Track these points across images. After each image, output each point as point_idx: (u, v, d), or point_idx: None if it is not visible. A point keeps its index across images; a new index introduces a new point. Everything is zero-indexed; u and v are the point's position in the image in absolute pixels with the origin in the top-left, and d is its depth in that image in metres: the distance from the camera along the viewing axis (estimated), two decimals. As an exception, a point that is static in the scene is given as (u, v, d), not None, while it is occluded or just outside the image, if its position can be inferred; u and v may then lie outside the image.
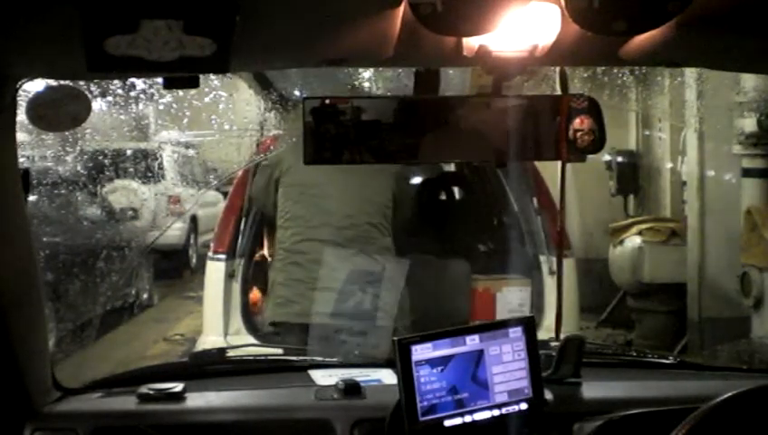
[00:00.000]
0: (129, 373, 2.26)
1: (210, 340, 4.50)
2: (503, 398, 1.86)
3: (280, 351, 3.21)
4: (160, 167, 8.64)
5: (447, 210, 5.41)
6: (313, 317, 3.88)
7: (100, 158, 5.36)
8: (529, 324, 1.92)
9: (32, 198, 1.86)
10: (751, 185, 6.01)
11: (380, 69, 3.79)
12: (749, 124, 5.82)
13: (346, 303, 3.89)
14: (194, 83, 1.48)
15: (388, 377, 2.15)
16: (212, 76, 3.50)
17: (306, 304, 3.91)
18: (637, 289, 7.25)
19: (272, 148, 4.49)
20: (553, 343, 2.08)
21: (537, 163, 4.56)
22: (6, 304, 1.70)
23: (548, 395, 1.95)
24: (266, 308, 4.22)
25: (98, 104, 4.32)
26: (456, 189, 5.63)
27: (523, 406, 1.87)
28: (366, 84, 4.17)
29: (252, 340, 4.24)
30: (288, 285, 4.00)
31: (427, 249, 4.60)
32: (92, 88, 2.31)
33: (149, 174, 7.82)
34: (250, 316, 4.52)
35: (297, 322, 3.94)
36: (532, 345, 1.90)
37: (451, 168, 5.68)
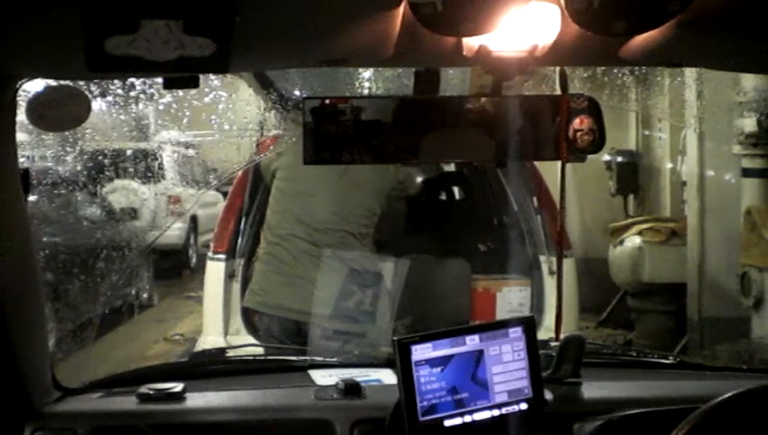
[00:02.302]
0: (129, 373, 2.26)
1: (210, 340, 4.51)
2: (502, 398, 1.86)
3: (279, 351, 3.22)
4: (160, 167, 8.64)
5: (447, 210, 5.41)
6: (284, 311, 3.92)
7: (100, 158, 5.35)
8: (529, 324, 1.92)
9: (32, 198, 1.86)
10: (751, 185, 6.01)
11: (380, 69, 3.79)
12: (749, 124, 5.82)
13: (346, 302, 3.90)
14: (194, 83, 1.48)
15: (387, 377, 2.15)
16: (212, 76, 3.50)
17: (278, 296, 3.95)
18: (637, 289, 7.25)
19: (271, 148, 4.50)
20: (553, 343, 2.08)
21: (537, 163, 4.57)
22: (6, 303, 1.70)
23: (548, 395, 1.95)
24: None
25: (98, 104, 4.32)
26: (455, 189, 5.63)
27: (523, 406, 1.87)
28: (366, 84, 4.17)
29: (252, 340, 4.25)
30: (265, 274, 4.05)
31: (427, 249, 4.60)
32: (92, 88, 2.31)
33: (149, 174, 7.82)
34: (250, 316, 4.52)
35: (267, 312, 3.99)
36: (532, 345, 1.90)
37: (451, 167, 5.68)
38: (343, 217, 4.05)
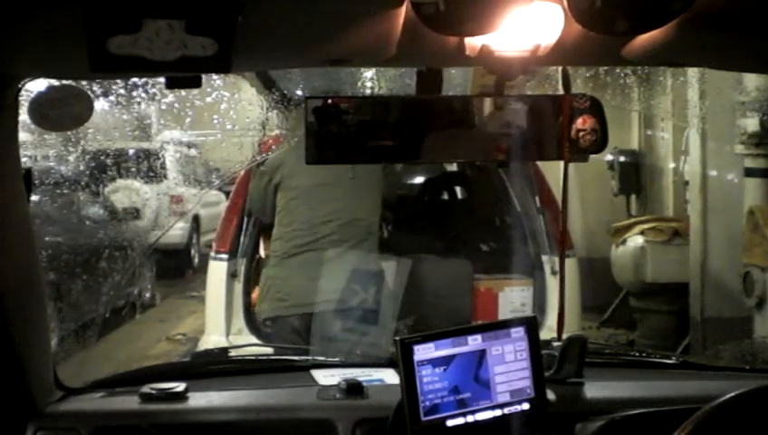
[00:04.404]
0: (132, 373, 2.26)
1: (212, 339, 4.51)
2: (505, 398, 1.86)
3: (282, 350, 3.22)
4: (162, 167, 8.63)
5: (450, 210, 5.41)
6: (315, 316, 3.90)
7: (103, 157, 5.35)
8: (531, 324, 1.92)
9: (34, 197, 1.86)
10: (753, 185, 6.01)
11: (382, 69, 3.79)
12: (751, 124, 5.81)
13: (348, 302, 3.89)
14: (196, 83, 1.48)
15: (390, 377, 2.15)
16: (214, 76, 3.50)
17: (303, 296, 3.94)
18: (639, 289, 7.24)
19: (273, 147, 4.50)
20: (555, 343, 2.08)
21: (539, 163, 4.56)
22: (9, 303, 1.70)
23: (550, 395, 1.95)
24: (260, 305, 4.22)
25: (100, 104, 4.32)
26: (458, 189, 5.63)
27: (526, 406, 1.87)
28: (368, 84, 4.18)
29: (254, 339, 4.25)
30: (288, 277, 4.03)
31: (430, 249, 4.60)
32: (95, 88, 2.31)
33: (152, 174, 7.82)
34: (252, 316, 4.52)
35: (295, 313, 3.96)
36: (535, 345, 1.90)
37: (453, 167, 5.68)
38: (367, 209, 4.08)
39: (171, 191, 9.27)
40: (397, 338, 1.81)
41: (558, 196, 3.80)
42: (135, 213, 8.33)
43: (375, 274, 3.99)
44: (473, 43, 1.45)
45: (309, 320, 3.91)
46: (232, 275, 4.60)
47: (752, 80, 5.55)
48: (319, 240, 4.00)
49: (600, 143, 1.82)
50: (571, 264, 4.56)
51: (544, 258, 4.65)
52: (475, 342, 1.84)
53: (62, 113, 1.66)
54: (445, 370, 1.80)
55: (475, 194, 5.52)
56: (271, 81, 4.68)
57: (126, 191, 8.07)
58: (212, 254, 4.77)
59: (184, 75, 1.47)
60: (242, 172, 4.79)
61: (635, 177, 8.82)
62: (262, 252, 4.74)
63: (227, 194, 5.64)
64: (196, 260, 11.35)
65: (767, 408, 1.61)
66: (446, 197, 5.59)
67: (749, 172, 6.04)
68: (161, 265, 9.42)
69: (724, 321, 6.35)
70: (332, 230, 4.01)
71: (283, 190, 4.13)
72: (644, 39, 1.38)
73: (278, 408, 2.00)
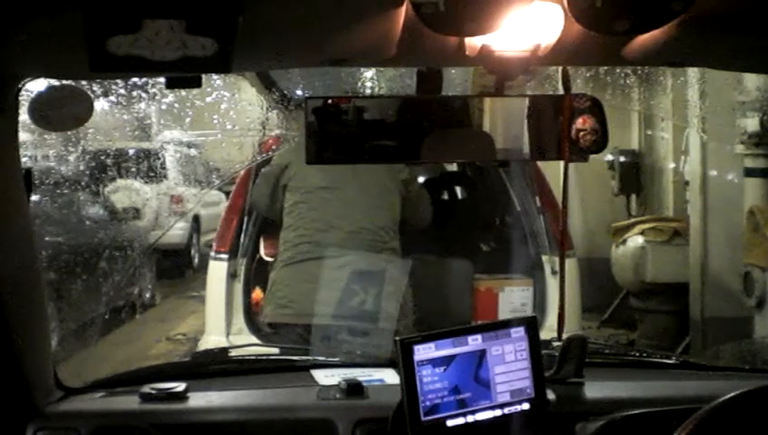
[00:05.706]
0: (132, 373, 2.26)
1: (212, 339, 4.50)
2: (505, 398, 1.86)
3: (282, 350, 3.22)
4: (163, 166, 8.62)
5: (450, 210, 5.41)
6: (315, 317, 3.87)
7: (103, 157, 5.35)
8: (531, 324, 1.92)
9: (34, 197, 1.86)
10: (753, 185, 6.01)
11: (382, 68, 3.79)
12: (752, 124, 5.81)
13: (349, 303, 3.88)
14: (196, 83, 1.48)
15: (390, 377, 2.15)
16: (214, 76, 3.50)
17: (307, 304, 3.89)
18: (639, 289, 7.25)
19: (274, 147, 4.50)
20: (556, 343, 2.08)
21: (539, 162, 4.56)
22: (9, 303, 1.70)
23: (550, 395, 1.95)
24: (265, 308, 4.20)
25: (100, 104, 4.32)
26: (458, 189, 5.63)
27: (526, 406, 1.87)
28: (368, 84, 4.17)
29: (254, 340, 4.24)
30: (290, 285, 3.97)
31: (430, 249, 4.60)
32: (95, 88, 2.31)
33: (152, 174, 7.81)
34: (252, 316, 4.52)
35: (298, 322, 3.92)
36: (535, 345, 1.90)
37: (453, 167, 5.68)
38: (380, 217, 4.00)
39: (171, 191, 9.26)
40: (397, 338, 1.81)
41: (558, 196, 3.80)
42: (135, 213, 8.33)
43: (375, 274, 3.97)
44: (473, 43, 1.45)
45: (311, 329, 3.88)
46: (232, 275, 4.60)
47: (752, 80, 5.55)
48: (322, 249, 3.91)
49: (600, 143, 1.82)
50: (571, 264, 4.56)
51: (544, 258, 4.64)
52: (475, 342, 1.84)
53: (62, 113, 1.66)
54: (445, 370, 1.80)
55: (475, 194, 5.51)
56: (271, 81, 4.69)
57: (126, 191, 8.07)
58: (212, 254, 4.76)
59: (184, 75, 1.47)
60: (242, 172, 4.79)
61: (635, 177, 8.83)
62: (262, 252, 4.74)
63: (227, 194, 5.63)
64: (196, 260, 11.35)
65: (766, 408, 1.61)
66: (446, 197, 5.58)
67: (749, 172, 6.05)
68: (161, 265, 9.42)
69: (724, 321, 6.35)
70: (338, 239, 3.91)
71: (290, 192, 4.06)
72: (644, 39, 1.38)
73: (278, 408, 2.00)
